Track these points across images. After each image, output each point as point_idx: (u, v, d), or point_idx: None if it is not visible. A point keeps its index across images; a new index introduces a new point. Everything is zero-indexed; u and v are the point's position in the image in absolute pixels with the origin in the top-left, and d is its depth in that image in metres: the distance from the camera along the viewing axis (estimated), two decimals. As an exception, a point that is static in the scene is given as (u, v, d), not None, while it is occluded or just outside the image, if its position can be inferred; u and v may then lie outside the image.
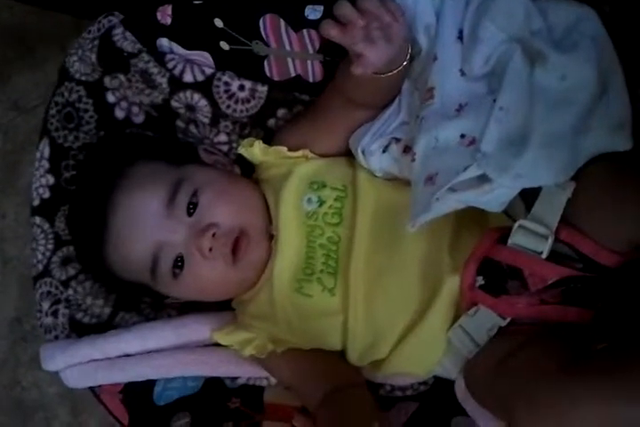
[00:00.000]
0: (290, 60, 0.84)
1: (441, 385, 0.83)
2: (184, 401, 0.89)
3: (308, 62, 0.84)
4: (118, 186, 0.80)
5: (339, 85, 0.81)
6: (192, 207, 0.79)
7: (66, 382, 0.89)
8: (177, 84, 0.87)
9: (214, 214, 0.79)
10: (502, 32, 0.71)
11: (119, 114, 0.92)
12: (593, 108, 0.68)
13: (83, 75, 0.89)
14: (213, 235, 0.78)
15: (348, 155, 0.85)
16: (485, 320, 0.74)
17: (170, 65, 0.87)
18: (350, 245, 0.78)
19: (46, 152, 0.91)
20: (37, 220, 0.91)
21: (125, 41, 0.86)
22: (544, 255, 0.70)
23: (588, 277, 0.69)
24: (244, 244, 0.80)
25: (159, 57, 0.86)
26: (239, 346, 0.84)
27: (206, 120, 0.90)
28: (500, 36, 0.71)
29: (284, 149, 0.85)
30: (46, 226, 0.91)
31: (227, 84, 0.87)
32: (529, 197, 0.71)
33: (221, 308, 0.91)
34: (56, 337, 0.90)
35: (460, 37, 0.74)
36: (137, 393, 0.89)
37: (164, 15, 0.84)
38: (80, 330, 0.90)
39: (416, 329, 0.77)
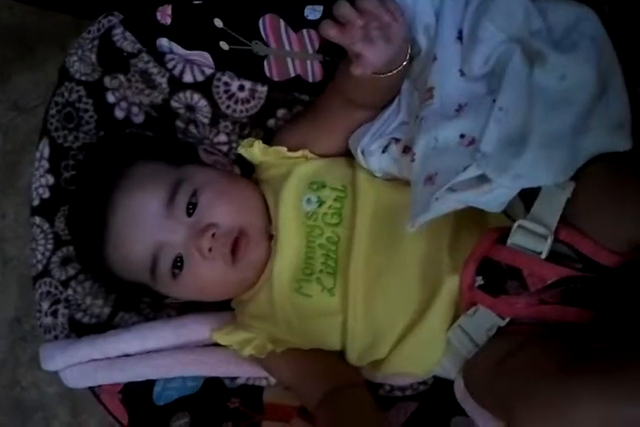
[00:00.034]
0: (289, 60, 0.84)
1: (440, 385, 0.83)
2: (183, 401, 0.89)
3: (308, 62, 0.84)
4: (118, 186, 0.80)
5: (338, 86, 0.81)
6: (191, 207, 0.79)
7: (65, 382, 0.89)
8: (177, 84, 0.87)
9: (214, 215, 0.79)
10: (502, 32, 0.71)
11: (119, 114, 0.92)
12: (592, 109, 0.68)
13: (83, 75, 0.89)
14: (213, 235, 0.78)
15: (347, 155, 0.85)
16: (484, 320, 0.74)
17: (169, 65, 0.87)
18: (350, 246, 0.78)
19: (46, 152, 0.91)
20: (37, 220, 0.92)
21: (125, 41, 0.86)
22: (543, 255, 0.70)
23: (588, 277, 0.69)
24: (244, 244, 0.80)
25: (159, 57, 0.86)
26: (238, 346, 0.84)
27: (206, 120, 0.90)
28: (500, 37, 0.71)
29: (284, 149, 0.85)
30: (46, 226, 0.91)
31: (226, 84, 0.87)
32: (528, 197, 0.71)
33: (221, 308, 0.91)
34: (56, 337, 0.90)
35: (460, 38, 0.74)
36: (136, 393, 0.89)
37: (164, 15, 0.84)
38: (79, 330, 0.90)
39: (415, 329, 0.77)
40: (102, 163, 0.86)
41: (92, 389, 0.89)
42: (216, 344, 0.87)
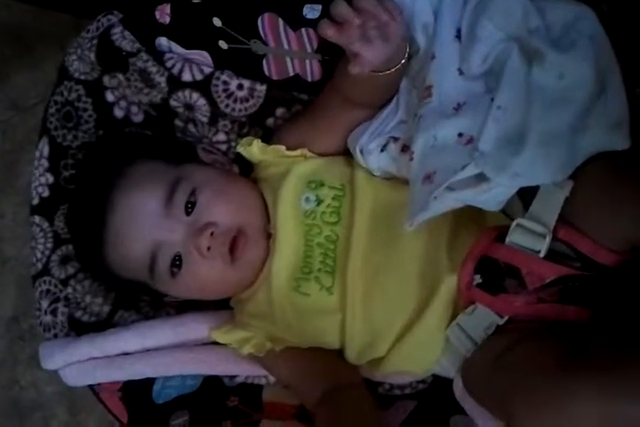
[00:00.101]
0: (288, 59, 0.84)
1: (439, 384, 0.83)
2: (183, 399, 0.89)
3: (307, 61, 0.84)
4: (117, 185, 0.81)
5: (337, 84, 0.81)
6: (190, 206, 0.80)
7: (65, 380, 0.89)
8: (176, 83, 0.87)
9: (212, 213, 0.79)
10: (500, 31, 0.71)
11: (118, 113, 0.92)
12: (591, 107, 0.68)
13: (82, 74, 0.89)
14: (211, 234, 0.78)
15: (346, 154, 0.85)
16: (483, 319, 0.74)
17: (168, 64, 0.87)
18: (348, 244, 0.78)
19: (45, 151, 0.91)
20: (37, 219, 0.92)
21: (124, 40, 0.86)
22: (542, 254, 0.70)
23: (586, 275, 0.69)
24: (242, 243, 0.80)
25: (158, 56, 0.86)
26: (237, 344, 0.84)
27: (205, 119, 0.90)
28: (498, 35, 0.71)
29: (283, 147, 0.85)
30: (45, 225, 0.91)
31: (225, 83, 0.87)
32: (527, 195, 0.71)
33: (220, 307, 0.91)
34: (55, 336, 0.90)
35: (458, 36, 0.74)
36: (136, 391, 0.89)
37: (163, 14, 0.84)
38: (79, 328, 0.90)
39: (414, 328, 0.77)
40: (101, 162, 0.86)
41: (91, 387, 0.89)
42: (215, 343, 0.87)
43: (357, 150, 0.81)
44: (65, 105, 0.91)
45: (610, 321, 0.70)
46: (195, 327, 0.89)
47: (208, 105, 0.89)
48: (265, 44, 0.83)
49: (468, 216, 0.76)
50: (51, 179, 0.91)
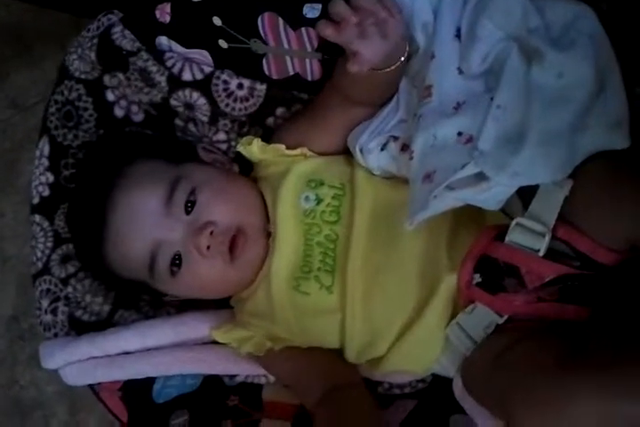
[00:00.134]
0: (288, 58, 0.84)
1: (439, 383, 0.83)
2: (183, 399, 0.89)
3: (307, 61, 0.84)
4: (117, 184, 0.81)
5: (336, 83, 0.81)
6: (190, 205, 0.80)
7: (65, 379, 0.89)
8: (176, 82, 0.87)
9: (212, 213, 0.79)
10: (500, 30, 0.71)
11: (118, 112, 0.92)
12: (590, 106, 0.68)
13: (82, 73, 0.89)
14: (211, 233, 0.78)
15: (346, 153, 0.85)
16: (482, 318, 0.74)
17: (169, 63, 0.87)
18: (348, 243, 0.78)
19: (46, 150, 0.91)
20: (37, 218, 0.92)
21: (124, 39, 0.86)
22: (541, 253, 0.70)
23: (586, 274, 0.69)
24: (242, 242, 0.80)
25: (158, 55, 0.86)
26: (237, 344, 0.84)
27: (205, 118, 0.90)
28: (498, 35, 0.71)
29: (283, 147, 0.85)
30: (46, 224, 0.91)
31: (225, 82, 0.87)
32: (526, 194, 0.71)
33: (220, 306, 0.91)
34: (55, 335, 0.90)
35: (458, 35, 0.74)
36: (136, 391, 0.89)
37: (163, 13, 0.84)
38: (79, 328, 0.90)
39: (414, 327, 0.77)
40: (102, 161, 0.86)
41: (91, 386, 0.90)
42: (215, 342, 0.88)
43: (357, 149, 0.81)
44: (65, 104, 0.91)
45: (609, 320, 0.70)
46: (195, 327, 0.89)
47: (208, 104, 0.89)
48: (265, 43, 0.83)
49: (468, 215, 0.76)
50: (51, 178, 0.91)
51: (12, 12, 1.32)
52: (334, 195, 0.81)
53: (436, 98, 0.72)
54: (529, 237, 0.71)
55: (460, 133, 0.71)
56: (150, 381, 0.89)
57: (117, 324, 0.91)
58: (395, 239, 0.77)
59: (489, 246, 0.73)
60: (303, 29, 0.81)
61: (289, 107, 0.89)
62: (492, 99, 0.69)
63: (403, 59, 0.74)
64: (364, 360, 0.82)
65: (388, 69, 0.74)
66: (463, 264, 0.74)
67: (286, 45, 0.83)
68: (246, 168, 0.92)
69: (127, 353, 0.88)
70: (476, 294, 0.74)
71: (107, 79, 0.89)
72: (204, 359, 0.89)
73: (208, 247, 0.78)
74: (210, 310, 0.90)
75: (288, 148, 0.85)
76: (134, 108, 0.92)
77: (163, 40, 0.86)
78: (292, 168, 0.83)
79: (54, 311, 0.90)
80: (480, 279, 0.73)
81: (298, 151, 0.85)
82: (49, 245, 0.91)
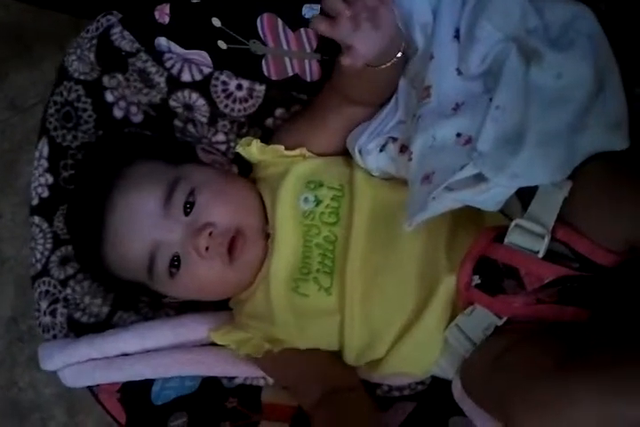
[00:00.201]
0: (287, 59, 0.84)
1: (438, 385, 0.83)
2: (181, 401, 0.88)
3: (306, 61, 0.84)
4: (116, 185, 0.81)
5: (335, 82, 0.81)
6: (189, 207, 0.79)
7: (64, 381, 0.89)
8: (175, 83, 0.87)
9: (211, 214, 0.79)
10: (499, 31, 0.71)
11: (117, 113, 0.92)
12: (589, 107, 0.68)
13: (81, 74, 0.89)
14: (210, 234, 0.78)
15: (345, 154, 0.85)
16: (482, 319, 0.74)
17: (168, 64, 0.87)
18: (347, 245, 0.78)
19: (45, 151, 0.91)
20: (36, 219, 0.91)
21: (123, 40, 0.86)
22: (540, 254, 0.70)
23: (585, 276, 0.69)
24: (240, 243, 0.80)
25: (157, 56, 0.86)
26: (235, 345, 0.84)
27: (204, 119, 0.90)
28: (497, 35, 0.71)
29: (282, 147, 0.85)
30: (45, 225, 0.91)
31: (224, 83, 0.87)
32: (525, 195, 0.71)
33: (219, 307, 0.91)
34: (54, 336, 0.90)
35: (457, 36, 0.74)
36: (135, 393, 0.89)
37: (162, 14, 0.84)
38: (78, 329, 0.90)
39: (412, 329, 0.76)
40: (101, 162, 0.86)
41: (90, 388, 0.89)
42: (214, 344, 0.87)
43: (356, 151, 0.81)
44: (64, 105, 0.91)
45: (608, 322, 0.70)
46: (194, 328, 0.89)
47: (207, 105, 0.89)
48: (264, 44, 0.83)
49: (467, 216, 0.76)
50: (50, 179, 0.91)
51: (11, 13, 1.32)
52: (333, 196, 0.81)
53: (434, 99, 0.72)
54: (528, 238, 0.70)
55: (458, 134, 0.71)
56: (149, 383, 0.89)
57: (116, 325, 0.91)
58: (393, 240, 0.77)
59: (488, 248, 0.73)
60: (302, 30, 0.81)
61: (288, 108, 0.89)
62: (490, 99, 0.69)
63: (399, 55, 0.74)
64: (362, 362, 0.82)
65: (384, 66, 0.73)
66: (462, 265, 0.74)
67: (285, 46, 0.83)
68: (245, 169, 0.92)
69: (126, 355, 0.88)
70: (475, 296, 0.73)
71: (106, 80, 0.89)
72: (203, 361, 0.89)
73: (207, 249, 0.78)
74: (209, 312, 0.90)
75: (287, 148, 0.85)
76: (133, 108, 0.92)
77: (162, 41, 0.86)
78: (291, 169, 0.83)
79: (53, 313, 0.90)
80: (479, 281, 0.73)
81: (297, 152, 0.85)
82: (48, 246, 0.91)
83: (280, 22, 0.81)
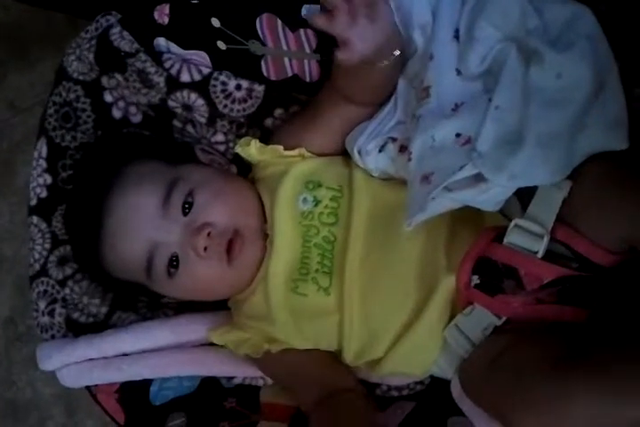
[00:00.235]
0: (287, 59, 0.84)
1: (437, 385, 0.83)
2: (180, 401, 0.89)
3: (305, 62, 0.84)
4: (115, 185, 0.81)
5: (334, 82, 0.81)
6: (187, 207, 0.79)
7: (62, 381, 0.89)
8: (174, 83, 0.87)
9: (209, 214, 0.79)
10: (498, 31, 0.71)
11: (116, 114, 0.92)
12: (589, 107, 0.68)
13: (80, 74, 0.89)
14: (208, 234, 0.78)
15: (344, 154, 0.85)
16: (481, 319, 0.73)
17: (167, 64, 0.86)
18: (346, 245, 0.78)
19: (44, 151, 0.91)
20: (34, 219, 0.91)
21: (123, 40, 0.86)
22: (540, 255, 0.70)
23: (584, 276, 0.69)
24: (239, 244, 0.79)
25: (156, 56, 0.86)
26: (234, 346, 0.84)
27: (203, 120, 0.90)
28: (496, 36, 0.71)
29: (280, 147, 0.85)
30: (43, 225, 0.91)
31: (224, 83, 0.87)
32: (525, 196, 0.71)
33: (218, 308, 0.90)
34: (52, 336, 0.90)
35: (457, 37, 0.74)
36: (133, 393, 0.89)
37: (162, 14, 0.84)
38: (76, 329, 0.90)
39: (412, 329, 0.76)
40: (100, 162, 0.86)
41: (88, 388, 0.89)
42: (213, 344, 0.87)
43: (355, 151, 0.80)
44: (63, 105, 0.91)
45: (608, 322, 0.70)
46: (192, 328, 0.89)
47: (206, 105, 0.88)
48: (263, 44, 0.83)
49: (467, 217, 0.76)
50: (49, 179, 0.91)
51: (10, 14, 1.32)
52: (332, 196, 0.81)
53: (434, 99, 0.72)
54: (527, 238, 0.70)
55: (458, 135, 0.71)
56: (147, 383, 0.89)
57: (115, 325, 0.91)
58: (392, 241, 0.77)
59: (487, 248, 0.73)
60: (302, 31, 0.82)
61: (287, 108, 0.89)
62: (490, 100, 0.69)
63: (396, 54, 0.74)
64: (361, 363, 0.82)
65: (382, 64, 0.73)
66: (461, 265, 0.74)
67: (285, 46, 0.83)
68: (244, 169, 0.92)
69: (124, 355, 0.88)
70: (475, 296, 0.73)
71: (105, 80, 0.89)
72: (202, 361, 0.89)
73: (205, 249, 0.78)
74: (207, 312, 0.90)
75: (286, 149, 0.85)
76: (132, 109, 0.92)
77: (161, 41, 0.86)
78: (290, 169, 0.83)
79: (51, 313, 0.90)
80: (478, 281, 0.73)
81: (296, 152, 0.85)
82: (46, 246, 0.91)
83: (279, 23, 0.81)
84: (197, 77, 0.87)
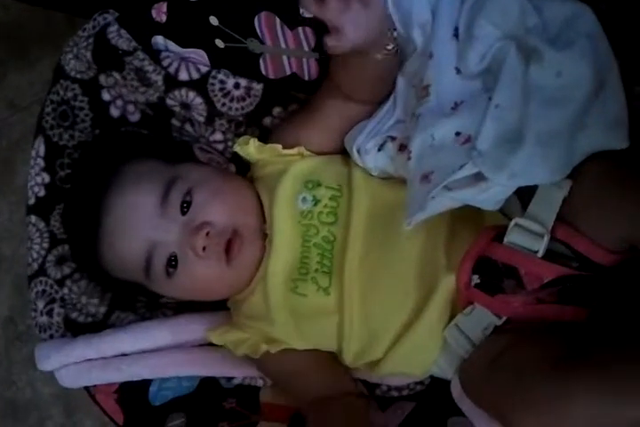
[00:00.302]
0: (285, 58, 0.84)
1: (437, 385, 0.83)
2: (179, 401, 0.88)
3: (304, 60, 0.84)
4: (113, 184, 0.81)
5: (331, 77, 0.81)
6: (186, 206, 0.79)
7: (61, 381, 0.88)
8: (172, 82, 0.87)
9: (208, 213, 0.79)
10: (497, 29, 0.71)
11: (114, 112, 0.92)
12: (589, 106, 0.68)
13: (78, 73, 0.89)
14: (207, 234, 0.78)
15: (343, 153, 0.85)
16: (481, 319, 0.73)
17: (165, 63, 0.86)
18: (345, 245, 0.78)
19: (41, 150, 0.90)
20: (33, 219, 0.91)
21: (120, 39, 0.85)
22: (540, 254, 0.70)
23: (584, 276, 0.69)
24: (238, 243, 0.79)
25: (154, 55, 0.86)
26: (232, 346, 0.84)
27: (201, 118, 0.90)
28: (496, 34, 0.71)
29: (279, 146, 0.85)
30: (41, 225, 0.91)
31: (222, 82, 0.87)
32: (525, 195, 0.71)
33: (217, 308, 0.90)
34: (51, 336, 0.90)
35: (456, 35, 0.74)
36: (132, 393, 0.89)
37: (160, 13, 0.84)
38: (75, 329, 0.90)
39: (412, 328, 0.76)
40: (98, 161, 0.86)
41: (87, 389, 0.89)
42: (212, 344, 0.87)
43: (354, 150, 0.80)
44: (61, 104, 0.90)
45: (608, 321, 0.70)
46: (191, 329, 0.89)
47: (205, 104, 0.88)
48: (262, 42, 0.83)
49: (467, 216, 0.76)
50: (47, 178, 0.90)
51: (9, 13, 1.33)
52: (331, 196, 0.81)
53: (433, 97, 0.72)
54: (528, 237, 0.70)
55: (457, 133, 0.71)
56: (146, 383, 0.89)
57: (113, 325, 0.90)
58: (392, 240, 0.77)
59: (487, 247, 0.73)
60: (300, 29, 0.81)
61: (286, 106, 0.89)
62: (490, 98, 0.69)
63: (389, 48, 0.74)
64: (361, 363, 0.82)
65: (375, 57, 0.73)
66: (461, 265, 0.73)
67: (283, 45, 0.83)
68: (243, 168, 0.91)
69: (123, 355, 0.88)
70: (475, 296, 0.73)
71: (102, 79, 0.89)
72: (201, 362, 0.89)
73: (204, 248, 0.78)
74: (206, 312, 0.90)
75: (285, 147, 0.85)
76: (130, 107, 0.91)
77: (159, 39, 0.85)
78: (289, 169, 0.83)
79: (50, 313, 0.90)
80: (479, 280, 0.73)
81: (295, 151, 0.85)
82: (45, 246, 0.91)
83: (278, 21, 0.81)
84: (196, 76, 0.87)
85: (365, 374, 0.85)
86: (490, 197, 0.69)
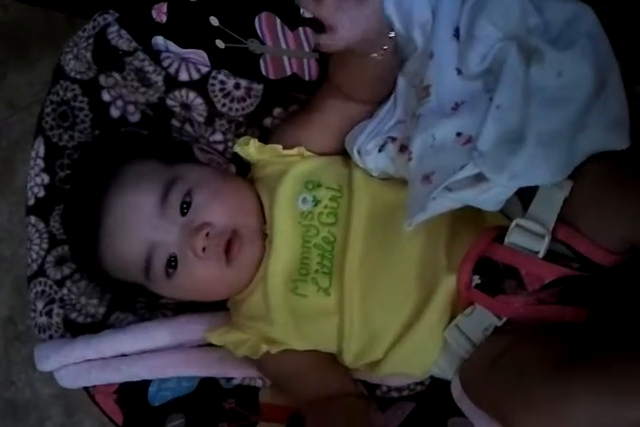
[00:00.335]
0: (286, 58, 0.84)
1: (437, 385, 0.82)
2: (178, 402, 0.88)
3: (304, 61, 0.84)
4: (113, 185, 0.80)
5: (331, 77, 0.81)
6: (186, 207, 0.79)
7: (60, 382, 0.88)
8: (172, 82, 0.87)
9: (208, 214, 0.79)
10: (498, 30, 0.71)
11: (114, 113, 0.92)
12: (590, 106, 0.68)
13: (78, 73, 0.89)
14: (207, 234, 0.77)
15: (343, 153, 0.85)
16: (481, 320, 0.73)
17: (165, 63, 0.86)
18: (345, 245, 0.78)
19: (41, 151, 0.90)
20: (32, 219, 0.91)
21: (120, 39, 0.85)
22: (541, 255, 0.70)
23: (585, 276, 0.69)
24: (238, 244, 0.79)
25: (154, 55, 0.86)
26: (232, 346, 0.84)
27: (202, 119, 0.90)
28: (497, 34, 0.71)
29: (279, 147, 0.85)
30: (41, 225, 0.91)
31: (222, 82, 0.87)
32: (526, 195, 0.71)
33: (217, 308, 0.90)
34: (50, 337, 0.90)
35: (457, 35, 0.74)
36: (131, 393, 0.89)
37: (160, 13, 0.84)
38: (74, 330, 0.90)
39: (412, 329, 0.76)
40: (97, 162, 0.86)
41: (86, 389, 0.89)
42: (211, 345, 0.87)
43: (355, 151, 0.80)
44: (61, 104, 0.90)
45: (609, 322, 0.70)
46: (191, 329, 0.89)
47: (205, 104, 0.88)
48: (262, 43, 0.83)
49: (467, 216, 0.76)
50: (46, 179, 0.90)
51: (8, 13, 1.33)
52: (332, 196, 0.81)
53: (434, 98, 0.72)
54: (528, 238, 0.70)
55: (458, 134, 0.71)
56: (146, 383, 0.88)
57: (113, 326, 0.90)
58: (392, 241, 0.77)
59: (488, 248, 0.73)
60: (301, 29, 0.81)
61: (286, 107, 0.89)
62: (491, 99, 0.69)
63: (385, 48, 0.73)
64: (361, 364, 0.82)
65: (372, 56, 0.73)
66: (462, 265, 0.73)
67: (284, 45, 0.83)
68: (243, 169, 0.91)
69: (123, 356, 0.88)
70: (476, 296, 0.73)
71: (102, 79, 0.89)
72: (201, 362, 0.89)
73: (204, 249, 0.78)
74: (206, 313, 0.90)
75: (285, 148, 0.85)
76: (130, 108, 0.91)
77: (159, 40, 0.85)
78: (290, 169, 0.83)
79: (49, 313, 0.90)
80: (479, 281, 0.73)
81: (295, 151, 0.84)
82: (44, 246, 0.91)
83: (278, 21, 0.81)
84: (196, 76, 0.87)
85: (365, 375, 0.85)
86: (491, 197, 0.69)
